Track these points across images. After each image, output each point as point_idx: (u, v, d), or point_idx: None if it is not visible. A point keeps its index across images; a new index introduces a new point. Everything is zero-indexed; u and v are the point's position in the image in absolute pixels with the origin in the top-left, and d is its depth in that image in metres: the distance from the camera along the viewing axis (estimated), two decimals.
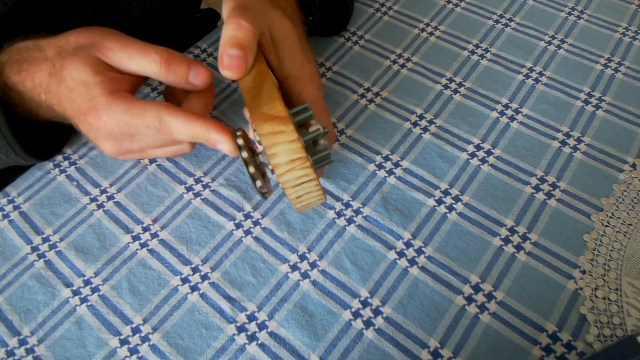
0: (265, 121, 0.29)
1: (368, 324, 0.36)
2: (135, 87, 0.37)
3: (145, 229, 0.41)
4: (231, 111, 0.48)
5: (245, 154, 0.30)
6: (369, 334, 0.35)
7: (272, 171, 0.30)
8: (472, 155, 0.44)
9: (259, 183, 0.31)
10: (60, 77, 0.35)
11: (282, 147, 0.29)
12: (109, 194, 0.43)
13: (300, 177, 0.30)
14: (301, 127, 0.31)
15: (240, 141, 0.30)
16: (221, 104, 0.48)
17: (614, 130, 0.45)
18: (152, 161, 0.45)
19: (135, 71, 0.35)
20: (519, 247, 0.39)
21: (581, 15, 0.54)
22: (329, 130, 0.32)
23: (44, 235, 0.41)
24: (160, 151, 0.39)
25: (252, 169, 0.30)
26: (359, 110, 0.47)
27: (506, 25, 0.54)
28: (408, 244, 0.39)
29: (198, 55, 0.52)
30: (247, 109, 0.31)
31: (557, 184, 0.42)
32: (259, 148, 0.32)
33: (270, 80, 0.32)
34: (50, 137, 0.44)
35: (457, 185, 0.42)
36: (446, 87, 0.49)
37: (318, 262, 0.39)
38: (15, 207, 0.42)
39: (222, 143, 0.33)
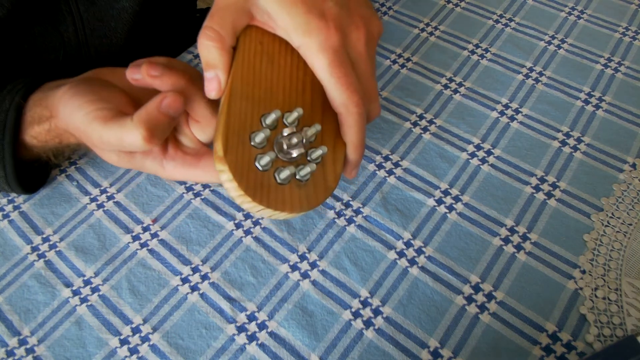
0: (215, 157, 0.30)
1: (368, 324, 0.36)
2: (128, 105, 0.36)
3: (145, 229, 0.41)
4: None
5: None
6: (369, 334, 0.35)
7: None
8: (472, 155, 0.44)
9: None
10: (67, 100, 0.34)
11: (227, 185, 0.29)
12: (109, 194, 0.43)
13: (252, 206, 0.30)
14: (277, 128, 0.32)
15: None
16: None
17: (614, 130, 0.45)
18: None
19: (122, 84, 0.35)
20: (519, 247, 0.39)
21: (581, 15, 0.54)
22: (297, 141, 0.31)
23: (44, 235, 0.41)
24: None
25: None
26: None
27: (506, 25, 0.54)
28: (408, 244, 0.39)
29: (198, 55, 0.52)
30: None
31: (557, 183, 0.42)
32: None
33: (227, 105, 0.31)
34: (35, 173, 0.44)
35: (457, 185, 0.42)
36: (446, 87, 0.49)
37: (318, 262, 0.39)
38: (15, 207, 0.42)
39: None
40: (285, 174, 0.30)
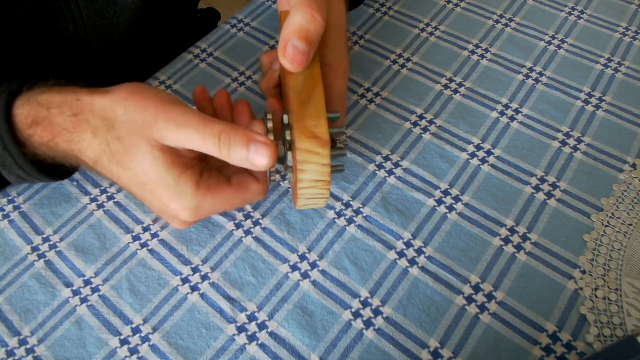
0: (306, 137, 0.30)
1: (368, 324, 0.36)
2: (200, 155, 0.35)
3: (145, 229, 0.41)
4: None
5: (271, 137, 0.33)
6: (369, 334, 0.35)
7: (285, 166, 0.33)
8: (472, 155, 0.44)
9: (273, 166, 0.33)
10: (120, 162, 0.32)
11: (312, 167, 0.30)
12: (109, 194, 0.43)
13: (317, 193, 0.32)
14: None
15: (270, 124, 0.33)
16: None
17: (614, 130, 0.45)
18: None
19: (195, 147, 0.33)
20: (519, 247, 0.39)
21: (581, 15, 0.54)
22: (348, 143, 0.32)
23: (44, 235, 0.41)
24: None
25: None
26: (359, 110, 0.47)
27: (506, 25, 0.54)
28: (408, 244, 0.39)
29: (198, 55, 0.52)
30: (291, 110, 0.31)
31: (557, 183, 0.42)
32: (286, 137, 0.33)
33: (320, 88, 0.32)
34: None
35: (457, 185, 0.42)
36: (446, 87, 0.49)
37: (318, 262, 0.39)
38: (15, 207, 0.42)
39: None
40: (335, 164, 0.33)
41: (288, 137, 0.32)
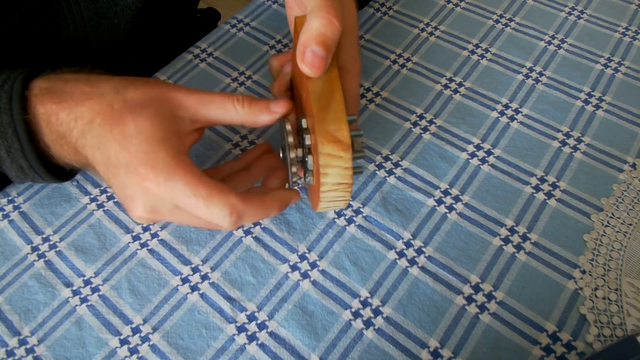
0: (329, 141, 0.31)
1: (368, 324, 0.36)
2: (191, 145, 0.36)
3: (145, 229, 0.41)
4: None
5: (291, 140, 0.34)
6: (369, 334, 0.35)
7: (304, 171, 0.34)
8: (472, 155, 0.44)
9: (294, 169, 0.34)
10: (117, 120, 0.32)
11: (335, 170, 0.31)
12: (109, 194, 0.43)
13: (339, 196, 0.33)
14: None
15: (289, 127, 0.34)
16: None
17: (614, 130, 0.45)
18: None
19: (212, 117, 0.34)
20: (519, 247, 0.39)
21: (581, 15, 0.54)
22: (364, 144, 0.33)
23: (44, 235, 0.41)
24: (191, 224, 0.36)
25: (292, 154, 0.34)
26: (359, 110, 0.47)
27: (506, 25, 0.54)
28: (408, 244, 0.39)
29: (198, 55, 0.52)
30: (311, 114, 0.32)
31: (557, 183, 0.42)
32: (306, 142, 0.33)
33: (339, 92, 0.32)
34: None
35: (457, 185, 0.42)
36: (446, 87, 0.49)
37: (318, 262, 0.39)
38: (15, 207, 0.42)
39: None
40: (354, 166, 0.33)
41: (308, 142, 0.33)
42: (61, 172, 0.38)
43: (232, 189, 0.32)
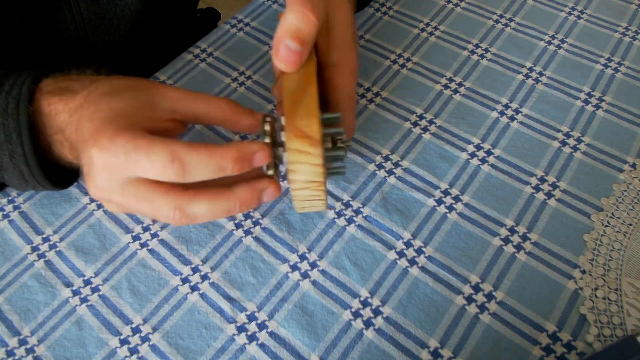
0: (297, 136, 0.29)
1: (368, 324, 0.36)
2: (165, 134, 0.34)
3: (145, 229, 0.41)
4: None
5: (267, 140, 0.32)
6: (369, 334, 0.35)
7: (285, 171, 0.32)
8: (472, 155, 0.44)
9: (270, 172, 0.32)
10: (96, 101, 0.32)
11: (304, 167, 0.29)
12: None
13: (312, 195, 0.31)
14: (327, 136, 0.32)
15: (267, 127, 0.32)
16: None
17: (614, 130, 0.45)
18: None
19: (194, 110, 0.33)
20: (519, 247, 0.39)
21: (581, 15, 0.54)
22: (350, 144, 0.32)
23: (44, 235, 0.41)
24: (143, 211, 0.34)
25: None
26: (359, 110, 0.47)
27: (506, 25, 0.54)
28: (408, 244, 0.39)
29: (198, 55, 0.52)
30: (284, 111, 0.31)
31: (557, 183, 0.42)
32: (281, 138, 0.32)
33: (314, 87, 0.31)
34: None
35: (457, 185, 0.42)
36: (446, 87, 0.49)
37: (318, 262, 0.39)
38: (15, 207, 0.42)
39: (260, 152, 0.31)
40: (335, 165, 0.32)
41: (283, 139, 0.32)
42: (61, 180, 0.39)
43: (178, 141, 0.30)
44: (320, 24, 0.31)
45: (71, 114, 0.33)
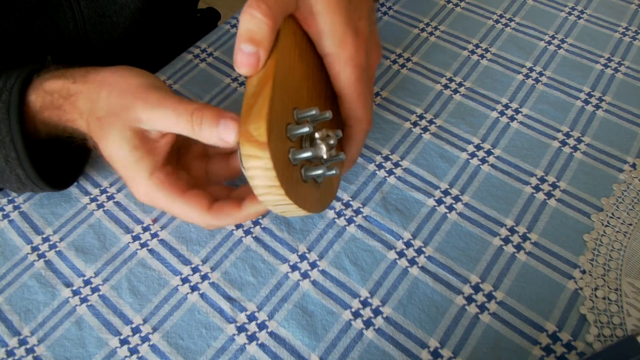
0: (248, 141, 0.28)
1: (368, 324, 0.36)
2: (173, 146, 0.36)
3: (145, 229, 0.41)
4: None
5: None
6: (369, 334, 0.35)
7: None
8: (472, 155, 0.44)
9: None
10: (98, 139, 0.34)
11: (258, 172, 0.28)
12: (109, 194, 0.43)
13: (278, 200, 0.29)
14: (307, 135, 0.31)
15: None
16: (220, 105, 0.48)
17: (614, 130, 0.45)
18: None
19: (170, 131, 0.34)
20: (519, 247, 0.39)
21: (581, 15, 0.54)
22: (333, 143, 0.30)
23: (44, 235, 0.41)
24: None
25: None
26: None
27: (506, 25, 0.54)
28: (408, 244, 0.39)
29: (198, 55, 0.52)
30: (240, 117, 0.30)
31: (557, 183, 0.42)
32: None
33: (269, 87, 0.29)
34: (65, 166, 0.43)
35: (457, 185, 0.42)
36: (446, 87, 0.49)
37: (318, 262, 0.39)
38: (15, 207, 0.42)
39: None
40: (314, 172, 0.30)
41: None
42: (59, 181, 0.40)
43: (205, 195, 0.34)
44: (275, 18, 0.30)
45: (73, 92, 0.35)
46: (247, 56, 0.30)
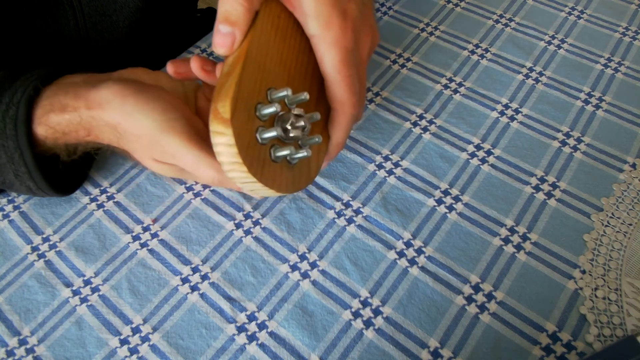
0: (215, 118, 0.28)
1: (368, 324, 0.36)
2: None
3: (145, 229, 0.41)
4: None
5: None
6: (369, 334, 0.35)
7: None
8: (472, 155, 0.44)
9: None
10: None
11: (223, 148, 0.29)
12: (109, 194, 0.43)
13: (243, 177, 0.29)
14: (282, 115, 0.31)
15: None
16: None
17: (614, 130, 0.45)
18: None
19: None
20: (519, 247, 0.39)
21: (581, 15, 0.54)
22: (303, 125, 0.30)
23: (44, 235, 0.41)
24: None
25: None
26: None
27: (506, 25, 0.54)
28: (408, 244, 0.39)
29: (197, 55, 0.52)
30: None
31: (557, 183, 0.42)
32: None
33: (239, 67, 0.30)
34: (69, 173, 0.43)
35: (457, 185, 0.42)
36: (446, 87, 0.49)
37: (318, 262, 0.39)
38: (15, 207, 0.42)
39: None
40: (282, 152, 0.30)
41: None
42: (66, 187, 0.40)
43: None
44: (254, 0, 0.31)
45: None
46: (223, 36, 0.30)
